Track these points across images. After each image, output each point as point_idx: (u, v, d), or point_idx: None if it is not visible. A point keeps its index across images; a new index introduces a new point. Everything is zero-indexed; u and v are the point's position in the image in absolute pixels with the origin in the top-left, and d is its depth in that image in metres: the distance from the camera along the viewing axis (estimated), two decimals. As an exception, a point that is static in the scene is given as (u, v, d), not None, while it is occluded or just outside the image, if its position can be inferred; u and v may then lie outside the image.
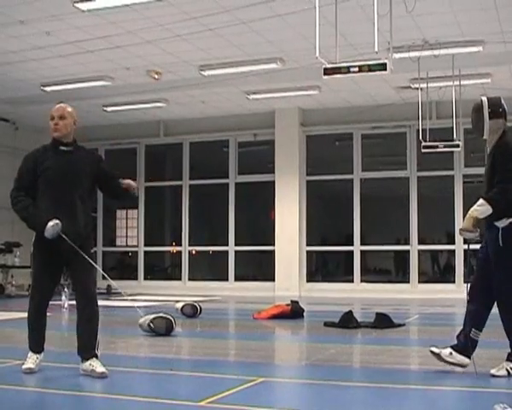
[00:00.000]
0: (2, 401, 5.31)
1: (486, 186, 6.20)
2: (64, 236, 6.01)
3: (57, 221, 5.98)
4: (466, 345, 6.21)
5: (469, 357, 6.21)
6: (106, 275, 6.39)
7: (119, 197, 6.85)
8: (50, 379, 6.14)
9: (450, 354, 6.25)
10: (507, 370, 6.06)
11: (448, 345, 6.33)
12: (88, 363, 6.11)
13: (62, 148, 6.33)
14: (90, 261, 6.21)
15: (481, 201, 5.93)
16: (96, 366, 6.08)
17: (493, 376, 6.02)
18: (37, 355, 6.28)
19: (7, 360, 6.93)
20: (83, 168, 6.32)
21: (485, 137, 6.39)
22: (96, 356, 6.17)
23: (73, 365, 6.38)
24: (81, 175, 6.30)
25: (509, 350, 6.11)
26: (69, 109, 6.39)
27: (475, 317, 6.25)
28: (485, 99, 6.37)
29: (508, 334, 6.12)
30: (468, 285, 6.37)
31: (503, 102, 6.36)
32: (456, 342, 6.32)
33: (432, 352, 6.35)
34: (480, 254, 6.31)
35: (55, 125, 6.29)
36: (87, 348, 6.18)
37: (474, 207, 5.94)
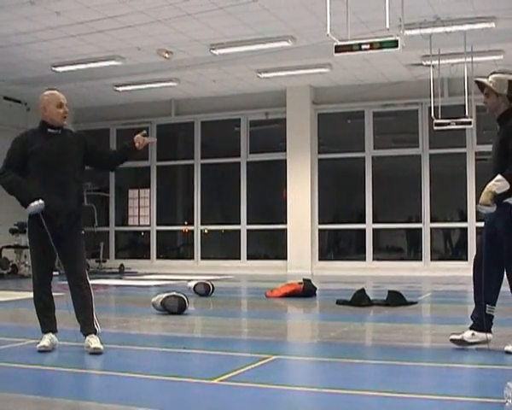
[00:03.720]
0: (13, 378, 5.36)
1: (496, 162, 6.21)
2: (41, 216, 6.14)
3: (42, 202, 6.09)
4: (484, 322, 6.25)
5: (490, 331, 6.28)
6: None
7: (115, 164, 6.94)
8: (63, 358, 6.19)
9: (473, 334, 6.31)
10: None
11: (458, 323, 6.37)
12: (87, 339, 6.27)
13: (50, 130, 6.44)
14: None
15: (500, 176, 5.93)
16: (91, 341, 6.22)
17: (507, 353, 6.04)
18: (52, 334, 6.36)
19: (21, 339, 6.99)
20: (72, 149, 6.45)
21: (487, 91, 6.36)
22: (95, 332, 6.31)
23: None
24: (72, 155, 6.42)
25: None
26: None
27: (487, 292, 6.27)
28: None
29: None
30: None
31: None
32: (472, 322, 6.38)
33: (452, 340, 6.40)
34: (488, 230, 6.33)
35: (65, 112, 6.47)
36: (84, 325, 6.34)
37: (493, 182, 5.93)
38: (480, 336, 6.26)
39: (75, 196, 6.41)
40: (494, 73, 6.48)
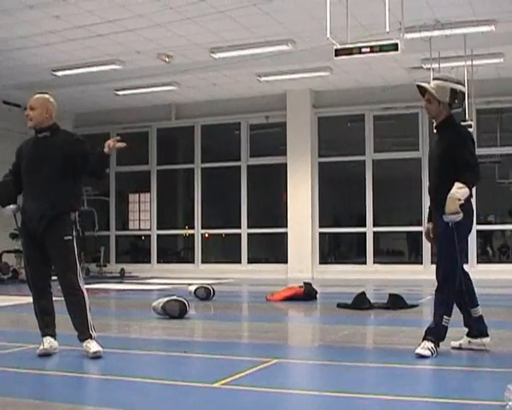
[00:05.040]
0: (14, 383, 5.36)
1: (440, 170, 6.35)
2: (15, 217, 6.51)
3: (11, 207, 6.43)
4: (477, 327, 6.34)
5: (486, 335, 6.36)
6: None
7: (94, 173, 6.60)
8: (63, 362, 6.20)
9: (469, 342, 6.42)
10: (429, 349, 6.18)
11: (458, 326, 6.42)
12: (84, 344, 6.28)
13: (39, 135, 6.57)
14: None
15: (460, 183, 6.01)
16: (90, 346, 6.23)
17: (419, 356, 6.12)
18: (50, 338, 6.36)
19: (22, 344, 6.98)
20: (53, 151, 6.42)
21: (429, 97, 6.46)
22: (91, 337, 6.30)
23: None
24: (50, 158, 6.39)
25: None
26: (41, 100, 6.60)
27: (464, 301, 6.36)
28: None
29: (436, 308, 6.33)
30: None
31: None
32: (467, 330, 6.46)
33: (453, 347, 6.49)
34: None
35: (26, 116, 6.58)
36: (80, 331, 6.34)
37: (454, 190, 5.99)
38: (477, 342, 6.34)
39: (50, 200, 6.33)
40: (436, 78, 6.55)
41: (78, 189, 6.69)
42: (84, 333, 6.31)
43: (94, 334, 6.34)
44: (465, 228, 6.23)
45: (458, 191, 5.97)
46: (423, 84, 6.54)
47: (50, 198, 6.33)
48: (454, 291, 6.23)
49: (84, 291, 6.37)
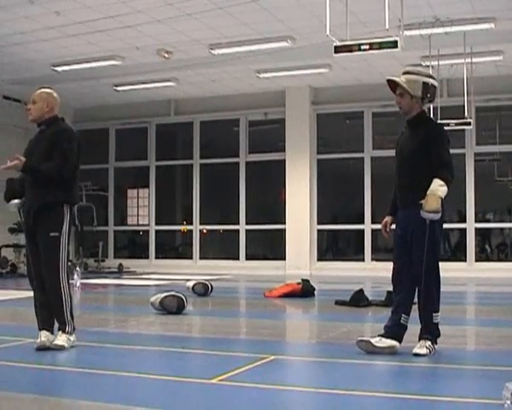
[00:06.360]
0: (11, 377, 5.36)
1: (412, 165, 6.23)
2: (19, 212, 6.52)
3: (17, 201, 6.47)
4: (395, 331, 6.28)
5: (400, 341, 6.26)
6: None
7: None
8: (61, 357, 6.16)
9: (380, 339, 6.26)
10: (427, 348, 6.14)
11: (456, 324, 6.39)
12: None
13: (38, 128, 6.62)
14: None
15: (440, 181, 5.92)
16: (56, 338, 6.30)
17: (416, 355, 6.06)
18: (46, 332, 6.37)
19: (20, 338, 6.98)
20: (42, 143, 6.43)
21: (401, 91, 6.38)
22: (64, 330, 6.32)
23: (85, 343, 6.51)
24: (39, 150, 6.38)
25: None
26: (44, 94, 6.61)
27: (405, 303, 6.34)
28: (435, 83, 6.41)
29: (425, 306, 6.30)
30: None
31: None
32: (383, 331, 6.35)
33: (360, 341, 6.34)
34: (400, 239, 6.36)
35: (28, 110, 6.61)
36: (57, 323, 6.40)
37: (436, 187, 5.90)
38: (388, 342, 6.23)
39: (35, 192, 6.34)
40: (407, 72, 6.44)
41: (71, 181, 6.48)
42: (59, 325, 6.36)
43: (68, 328, 6.33)
44: (440, 224, 6.18)
45: (439, 189, 5.90)
46: (395, 79, 6.42)
47: (36, 190, 6.34)
48: (437, 287, 6.23)
49: (65, 287, 6.34)
